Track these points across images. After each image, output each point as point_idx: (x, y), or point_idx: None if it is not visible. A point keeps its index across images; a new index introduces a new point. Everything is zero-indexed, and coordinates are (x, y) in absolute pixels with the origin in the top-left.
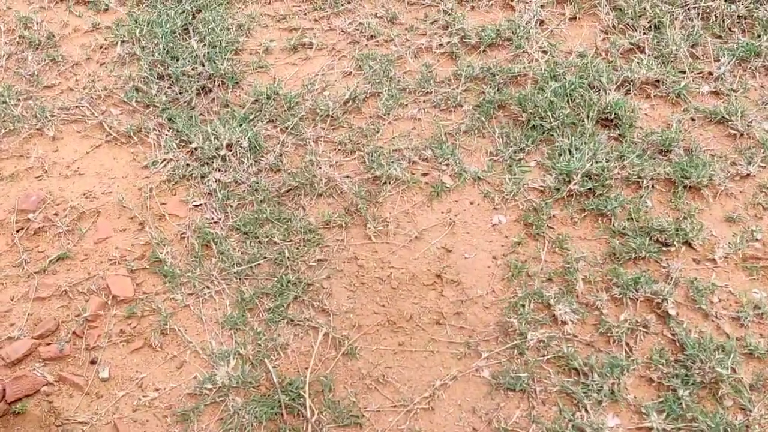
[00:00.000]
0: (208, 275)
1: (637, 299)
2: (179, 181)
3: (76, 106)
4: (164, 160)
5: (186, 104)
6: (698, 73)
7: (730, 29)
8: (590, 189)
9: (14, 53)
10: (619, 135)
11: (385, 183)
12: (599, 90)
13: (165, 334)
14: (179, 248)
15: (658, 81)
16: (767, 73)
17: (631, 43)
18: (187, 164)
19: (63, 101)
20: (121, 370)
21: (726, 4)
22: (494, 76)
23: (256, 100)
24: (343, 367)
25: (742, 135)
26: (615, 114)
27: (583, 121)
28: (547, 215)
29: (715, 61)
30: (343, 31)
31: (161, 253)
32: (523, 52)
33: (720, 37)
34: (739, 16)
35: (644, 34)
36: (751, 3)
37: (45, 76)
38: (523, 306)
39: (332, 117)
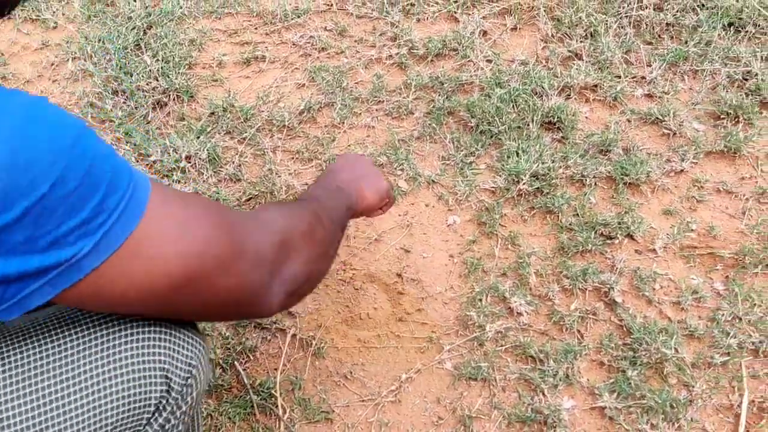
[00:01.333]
0: None
1: (586, 289)
2: None
3: None
4: None
5: (142, 118)
6: (632, 78)
7: (659, 36)
8: (538, 188)
9: None
10: (562, 137)
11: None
12: (542, 95)
13: None
14: None
15: (596, 86)
16: (695, 76)
17: (569, 51)
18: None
19: None
20: None
21: (655, 13)
22: (443, 84)
23: (213, 113)
24: (311, 366)
25: (674, 134)
26: (558, 118)
27: (528, 125)
28: (499, 214)
29: (647, 66)
30: (294, 44)
31: None
32: (469, 61)
33: (651, 43)
34: (667, 24)
35: (581, 42)
36: (678, 11)
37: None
38: (481, 300)
39: (288, 127)
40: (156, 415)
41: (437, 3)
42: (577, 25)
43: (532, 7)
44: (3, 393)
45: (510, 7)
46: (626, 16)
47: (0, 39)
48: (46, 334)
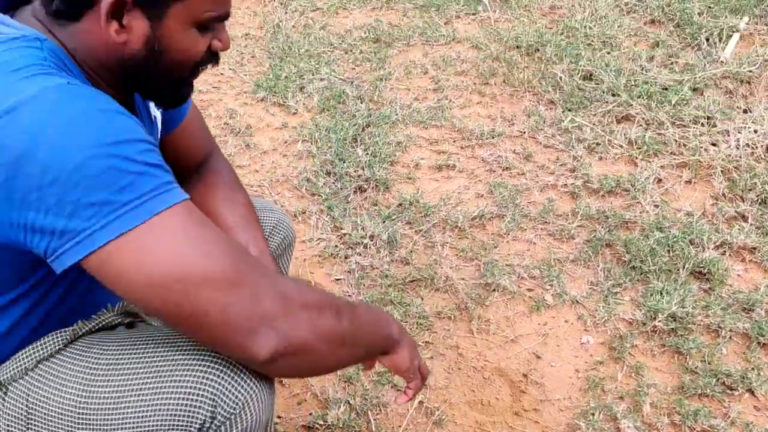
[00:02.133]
0: None
1: (694, 429)
2: (327, 257)
3: (259, 185)
4: (319, 239)
5: (344, 198)
6: None
7: None
8: (673, 329)
9: (219, 136)
10: (709, 288)
11: (494, 290)
12: (699, 246)
13: None
14: None
15: (755, 248)
16: None
17: (736, 212)
18: (336, 246)
19: (249, 180)
20: None
21: None
22: (607, 218)
23: (400, 204)
24: None
25: None
26: (708, 270)
27: (678, 270)
28: (631, 344)
29: None
30: (483, 160)
31: None
32: (637, 202)
33: None
34: None
35: (750, 205)
36: None
37: (238, 157)
38: (593, 415)
39: (459, 228)
40: None
41: (621, 146)
42: (750, 190)
43: (711, 166)
44: (93, 380)
45: (689, 162)
46: None
47: (252, 115)
48: (132, 347)
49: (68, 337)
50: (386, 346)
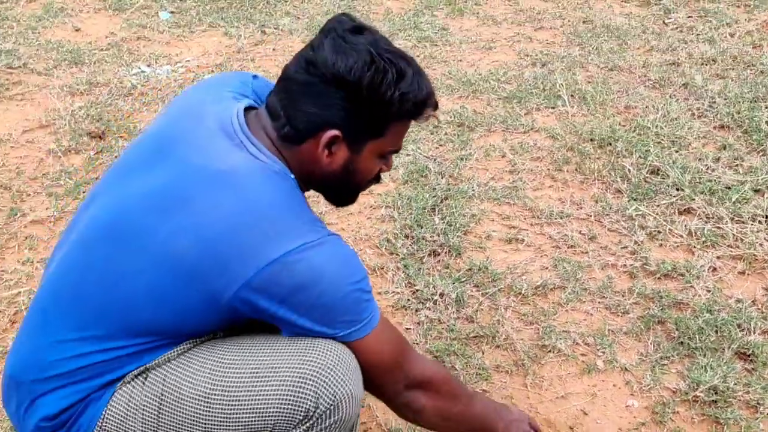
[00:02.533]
0: None
1: None
2: (399, 309)
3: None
4: (393, 292)
5: (419, 259)
6: None
7: None
8: (714, 400)
9: (311, 196)
10: (752, 368)
11: (550, 351)
12: (745, 330)
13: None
14: None
15: None
16: None
17: None
18: (408, 299)
19: None
20: None
21: None
22: (662, 298)
23: (470, 269)
24: None
25: None
26: (753, 351)
27: (723, 349)
28: (672, 410)
29: None
30: (550, 237)
31: None
32: (691, 286)
33: None
34: None
35: None
36: None
37: (328, 216)
38: None
39: (523, 295)
40: (303, 420)
41: (681, 236)
42: None
43: (765, 260)
44: (219, 372)
45: (744, 254)
46: None
47: None
48: (250, 348)
49: (201, 339)
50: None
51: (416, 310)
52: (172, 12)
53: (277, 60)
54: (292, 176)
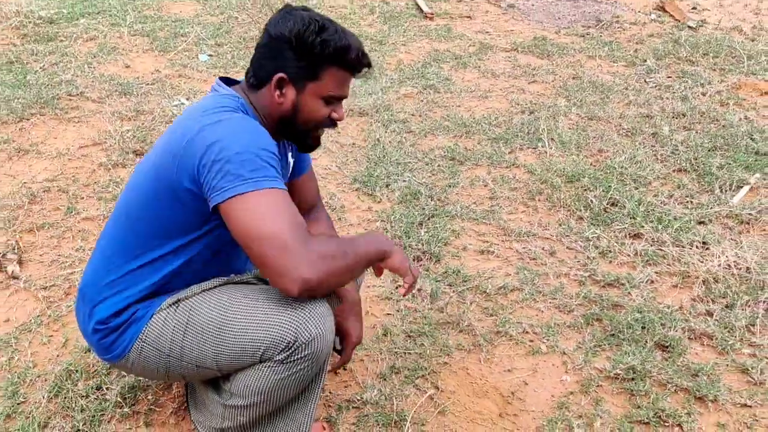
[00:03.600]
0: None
1: None
2: (384, 299)
3: None
4: (380, 285)
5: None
6: (744, 342)
7: None
8: (631, 378)
9: None
10: (669, 357)
11: (503, 337)
12: (668, 328)
13: None
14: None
15: (713, 336)
16: None
17: (706, 310)
18: (391, 292)
19: None
20: None
21: None
22: (603, 301)
23: (445, 272)
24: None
25: None
26: (671, 344)
27: (646, 341)
28: (597, 383)
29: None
30: (517, 251)
31: None
32: (628, 294)
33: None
34: None
35: (718, 306)
36: None
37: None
38: (556, 423)
39: (487, 293)
40: (285, 349)
41: (628, 255)
42: (723, 297)
43: (697, 277)
44: (230, 305)
45: (679, 272)
46: None
47: (346, 199)
48: (252, 292)
49: (224, 280)
50: (382, 256)
51: (397, 301)
52: (210, 55)
53: None
54: (241, 99)
